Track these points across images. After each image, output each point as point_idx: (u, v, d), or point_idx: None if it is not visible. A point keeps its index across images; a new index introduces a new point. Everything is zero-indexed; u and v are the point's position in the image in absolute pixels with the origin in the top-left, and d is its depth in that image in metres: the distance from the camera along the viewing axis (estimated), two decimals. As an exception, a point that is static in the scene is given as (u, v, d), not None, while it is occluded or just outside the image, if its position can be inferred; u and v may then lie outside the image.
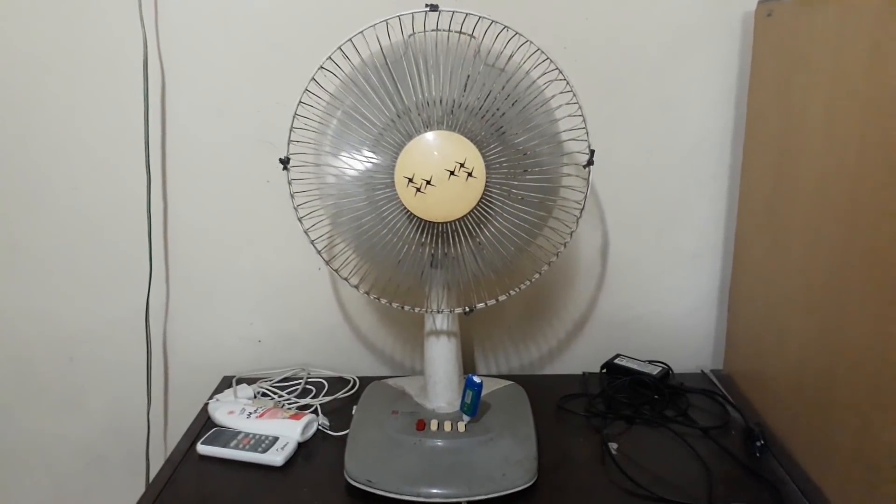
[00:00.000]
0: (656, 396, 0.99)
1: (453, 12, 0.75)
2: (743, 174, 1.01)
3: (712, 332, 1.13)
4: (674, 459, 0.86)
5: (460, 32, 0.77)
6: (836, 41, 0.74)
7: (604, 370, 1.07)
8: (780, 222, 0.88)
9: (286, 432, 0.90)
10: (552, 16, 1.00)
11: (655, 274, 1.10)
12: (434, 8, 0.74)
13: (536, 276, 0.85)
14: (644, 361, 1.07)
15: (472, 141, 0.71)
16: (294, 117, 0.78)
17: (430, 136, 0.71)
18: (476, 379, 0.81)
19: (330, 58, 0.77)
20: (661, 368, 1.04)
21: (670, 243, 1.09)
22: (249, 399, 0.99)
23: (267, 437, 0.89)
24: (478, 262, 0.78)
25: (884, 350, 0.66)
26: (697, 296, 1.11)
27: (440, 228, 0.75)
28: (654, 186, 1.06)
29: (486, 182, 0.72)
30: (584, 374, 1.08)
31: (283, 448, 0.87)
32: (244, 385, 1.03)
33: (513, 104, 0.73)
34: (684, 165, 1.06)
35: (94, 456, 1.19)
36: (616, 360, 1.07)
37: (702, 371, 1.09)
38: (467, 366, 1.13)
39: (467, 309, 0.83)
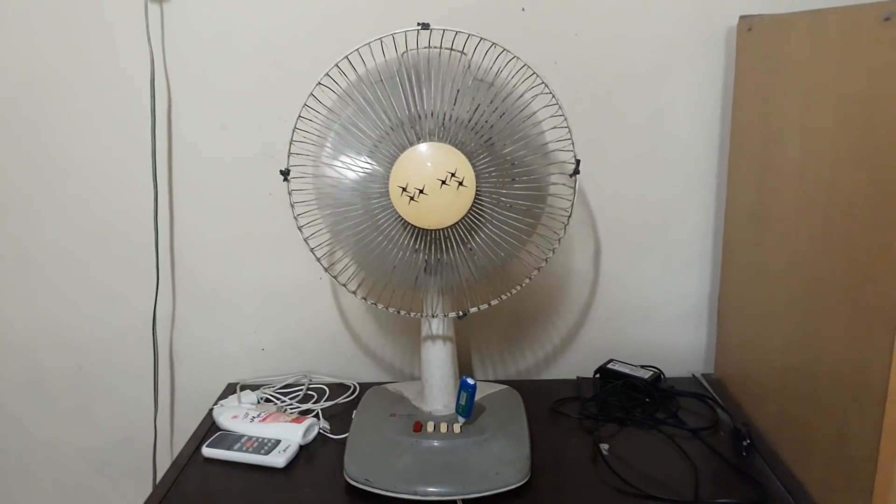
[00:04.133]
0: (647, 399, 1.02)
1: (444, 30, 0.79)
2: (729, 183, 1.04)
3: (704, 338, 1.16)
4: (663, 459, 0.88)
5: (451, 49, 0.81)
6: (810, 54, 0.78)
7: (597, 375, 1.10)
8: (763, 231, 0.91)
9: (288, 435, 0.93)
10: (543, 32, 1.03)
11: (647, 281, 1.13)
12: (426, 26, 0.78)
13: (527, 280, 0.88)
14: (636, 366, 1.09)
15: (462, 152, 0.75)
16: (294, 131, 0.82)
17: (422, 147, 0.75)
18: (470, 381, 0.84)
19: (327, 74, 0.81)
20: (652, 372, 1.07)
21: (661, 251, 1.12)
22: (253, 404, 1.03)
23: (269, 440, 0.92)
24: (470, 267, 0.81)
25: (861, 353, 0.69)
26: (689, 302, 1.14)
27: (433, 235, 0.78)
28: (645, 195, 1.10)
29: (477, 191, 0.76)
30: (577, 378, 1.11)
31: (285, 450, 0.90)
32: (248, 391, 1.07)
33: (500, 116, 0.77)
34: (673, 175, 1.09)
35: (102, 463, 1.22)
36: (609, 365, 1.10)
37: (693, 375, 1.12)
38: (465, 372, 1.16)
39: (461, 313, 0.87)
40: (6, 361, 1.18)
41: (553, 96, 0.81)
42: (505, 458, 0.84)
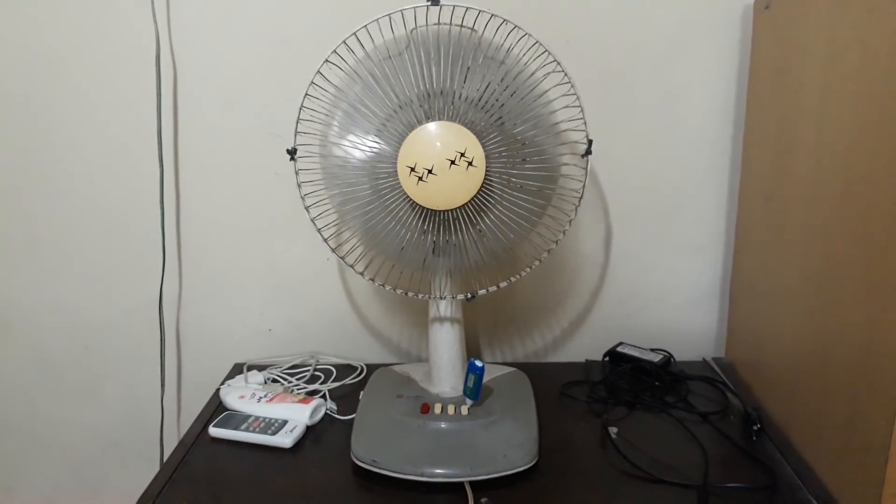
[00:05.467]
0: (657, 383, 1.01)
1: (454, 6, 0.78)
2: (743, 165, 1.02)
3: (715, 321, 1.14)
4: (672, 443, 0.88)
5: (461, 26, 0.79)
6: (829, 32, 0.76)
7: (606, 358, 1.09)
8: (778, 213, 0.90)
9: (295, 416, 0.92)
10: (555, 10, 1.02)
11: (658, 264, 1.12)
12: (436, 2, 0.77)
13: (537, 262, 0.87)
14: (646, 349, 1.08)
15: (472, 131, 0.73)
16: (301, 109, 0.81)
17: (431, 126, 0.74)
18: (478, 363, 0.84)
19: (335, 51, 0.79)
20: (662, 356, 1.06)
21: (673, 234, 1.11)
22: (260, 385, 1.02)
23: (276, 420, 0.92)
24: (479, 249, 0.80)
25: (873, 337, 0.68)
26: (700, 285, 1.13)
27: (442, 216, 0.77)
28: (657, 177, 1.08)
29: (486, 171, 0.74)
30: (586, 361, 1.10)
31: (292, 431, 0.90)
32: (255, 371, 1.06)
33: (511, 95, 0.76)
34: (686, 157, 1.07)
35: (110, 441, 1.22)
36: (618, 348, 1.09)
37: (703, 359, 1.11)
38: (472, 354, 1.16)
39: (469, 295, 0.86)
40: (14, 341, 1.18)
41: (565, 75, 0.79)
42: (513, 440, 0.83)
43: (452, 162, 0.74)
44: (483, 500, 0.77)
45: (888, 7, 0.65)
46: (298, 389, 1.03)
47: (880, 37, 0.66)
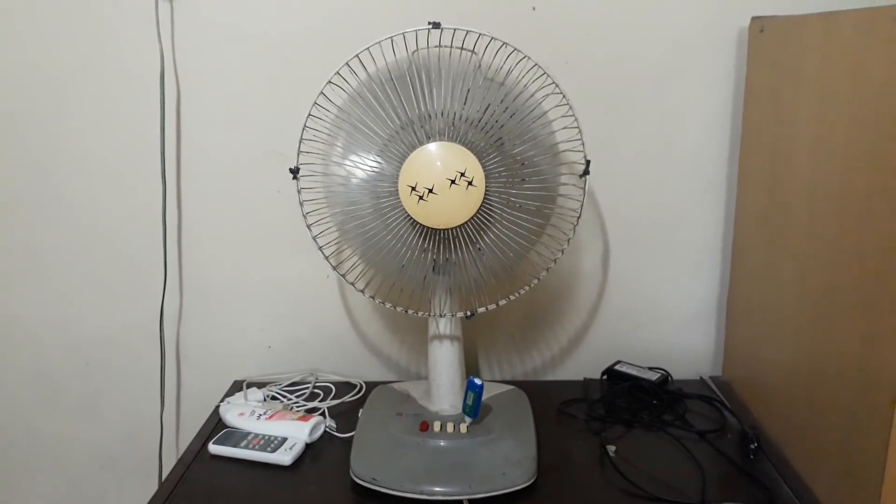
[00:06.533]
0: (655, 402, 1.02)
1: (455, 29, 0.79)
2: (739, 185, 1.03)
3: (712, 340, 1.15)
4: (670, 461, 0.88)
5: (462, 48, 0.81)
6: (823, 56, 0.77)
7: (604, 376, 1.09)
8: (774, 233, 0.91)
9: (294, 433, 0.93)
10: (554, 32, 1.03)
11: (656, 282, 1.13)
12: (437, 25, 0.78)
13: (535, 281, 0.88)
14: (644, 368, 1.09)
15: (472, 151, 0.75)
16: (304, 129, 0.82)
17: (432, 146, 0.75)
18: (477, 381, 0.84)
19: (338, 73, 0.81)
20: (660, 374, 1.07)
21: (670, 252, 1.12)
22: (259, 402, 1.03)
23: (276, 437, 0.92)
24: (478, 267, 0.81)
25: (870, 356, 0.69)
26: (697, 304, 1.14)
27: (442, 235, 0.78)
28: (654, 197, 1.09)
29: (486, 190, 0.75)
30: (584, 379, 1.10)
31: (291, 448, 0.90)
32: (254, 389, 1.07)
33: (511, 116, 0.77)
34: (683, 176, 1.08)
35: (109, 458, 1.22)
36: (616, 367, 1.10)
37: (701, 377, 1.12)
38: (472, 372, 1.16)
39: (469, 313, 0.86)
40: (14, 357, 1.18)
41: (563, 96, 0.80)
42: (511, 458, 0.83)
43: (453, 181, 0.75)
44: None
45: (881, 31, 0.66)
46: (298, 407, 1.03)
47: (873, 60, 0.68)
